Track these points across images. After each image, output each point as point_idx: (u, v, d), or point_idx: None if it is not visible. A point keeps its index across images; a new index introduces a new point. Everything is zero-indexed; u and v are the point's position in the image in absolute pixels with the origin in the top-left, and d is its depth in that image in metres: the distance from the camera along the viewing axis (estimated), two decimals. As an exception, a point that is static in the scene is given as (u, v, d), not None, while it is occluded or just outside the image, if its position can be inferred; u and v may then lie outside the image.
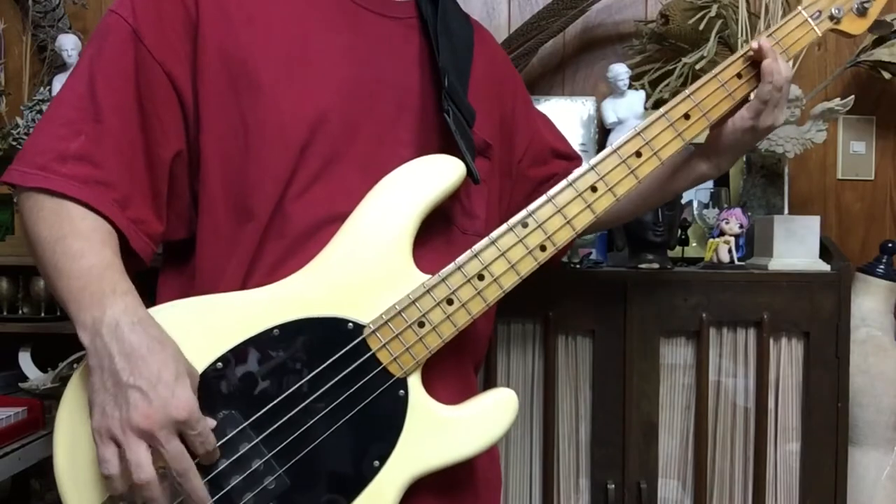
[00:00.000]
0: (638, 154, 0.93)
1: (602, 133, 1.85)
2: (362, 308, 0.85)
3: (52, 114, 0.84)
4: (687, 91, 0.96)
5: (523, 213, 0.89)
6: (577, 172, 0.91)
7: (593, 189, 0.91)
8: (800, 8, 0.99)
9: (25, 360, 1.68)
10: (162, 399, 0.74)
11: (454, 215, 0.95)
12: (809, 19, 0.98)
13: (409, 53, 0.95)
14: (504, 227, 0.88)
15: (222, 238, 0.87)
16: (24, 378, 1.65)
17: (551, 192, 0.90)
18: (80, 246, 0.79)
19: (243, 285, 0.86)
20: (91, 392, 0.76)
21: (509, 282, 0.89)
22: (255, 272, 0.87)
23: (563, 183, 0.90)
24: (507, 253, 0.88)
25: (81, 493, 0.80)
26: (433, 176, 0.88)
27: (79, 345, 0.77)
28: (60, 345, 1.66)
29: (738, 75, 0.99)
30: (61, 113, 0.83)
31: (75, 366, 0.84)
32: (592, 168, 0.92)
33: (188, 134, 0.87)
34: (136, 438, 0.73)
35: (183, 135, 0.87)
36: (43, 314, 1.66)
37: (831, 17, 0.99)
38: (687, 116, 0.96)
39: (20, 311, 1.67)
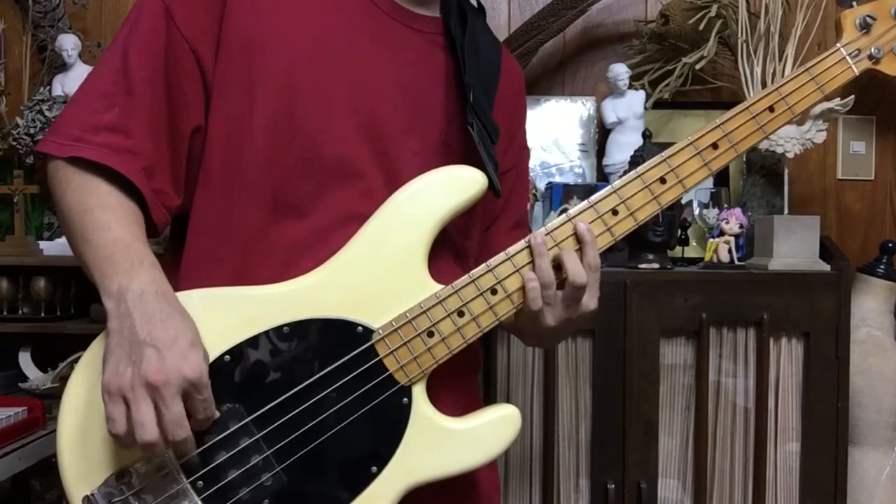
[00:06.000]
0: (662, 180, 0.90)
1: (602, 133, 1.85)
2: (373, 313, 0.85)
3: (89, 87, 0.88)
4: (717, 121, 0.92)
5: (541, 231, 0.88)
6: (598, 195, 0.90)
7: (614, 212, 0.90)
8: (839, 45, 0.96)
9: (25, 360, 1.68)
10: (175, 358, 0.76)
11: (451, 232, 0.94)
12: (848, 57, 0.96)
13: (433, 67, 0.96)
14: (521, 243, 0.88)
15: (214, 217, 0.88)
16: (24, 378, 1.65)
17: (571, 212, 0.89)
18: (108, 218, 0.82)
19: (243, 272, 0.86)
20: (107, 352, 0.77)
21: (521, 298, 0.88)
22: (262, 262, 0.87)
23: (585, 204, 0.89)
24: (523, 270, 0.88)
25: (85, 472, 0.81)
26: (456, 186, 0.88)
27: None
28: (60, 345, 1.67)
29: (770, 108, 0.94)
30: (97, 87, 0.87)
31: (75, 366, 0.85)
32: (615, 191, 0.90)
33: (207, 110, 0.90)
34: (143, 395, 0.75)
35: (203, 110, 0.89)
36: (43, 314, 1.66)
37: (870, 57, 0.97)
38: (715, 146, 0.92)
39: (20, 311, 1.67)
